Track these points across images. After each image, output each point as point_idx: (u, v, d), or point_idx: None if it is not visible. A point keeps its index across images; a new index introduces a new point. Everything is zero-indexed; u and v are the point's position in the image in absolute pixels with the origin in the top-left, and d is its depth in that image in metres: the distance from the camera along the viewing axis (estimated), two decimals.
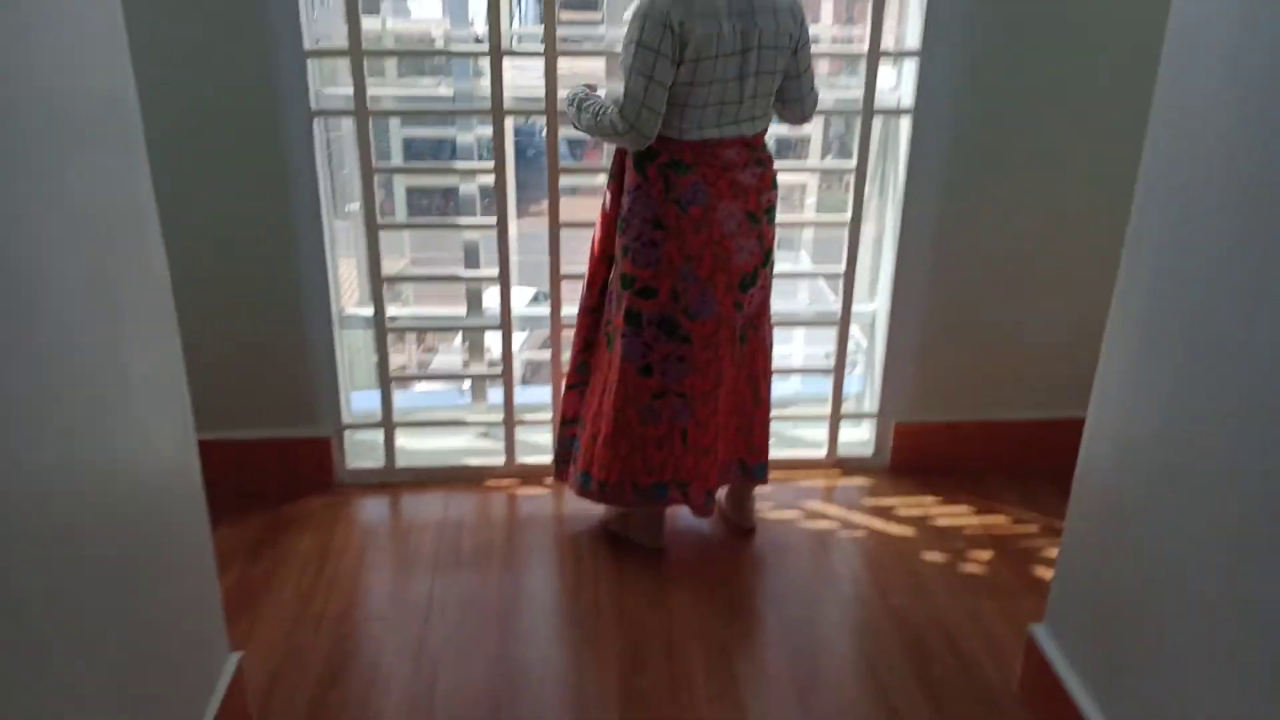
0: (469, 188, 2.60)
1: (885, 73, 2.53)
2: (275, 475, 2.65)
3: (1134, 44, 2.28)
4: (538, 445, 2.79)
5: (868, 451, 2.84)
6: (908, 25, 2.47)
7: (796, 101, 2.16)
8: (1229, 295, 1.33)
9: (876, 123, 2.55)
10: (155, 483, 1.50)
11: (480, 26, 2.35)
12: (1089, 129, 2.49)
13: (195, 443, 1.66)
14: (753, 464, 2.41)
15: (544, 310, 2.65)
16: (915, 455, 2.81)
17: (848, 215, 2.57)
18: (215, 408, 2.51)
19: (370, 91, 2.36)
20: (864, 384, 2.89)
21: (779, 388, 2.78)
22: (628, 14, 2.03)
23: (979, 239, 2.59)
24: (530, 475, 2.74)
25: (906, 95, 2.49)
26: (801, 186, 3.05)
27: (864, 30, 2.40)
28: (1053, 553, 2.21)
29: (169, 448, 1.55)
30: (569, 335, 2.69)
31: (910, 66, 2.46)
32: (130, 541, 1.37)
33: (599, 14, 2.34)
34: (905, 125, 2.51)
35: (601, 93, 2.13)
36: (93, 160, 1.29)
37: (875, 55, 2.40)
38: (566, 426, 2.44)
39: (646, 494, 2.30)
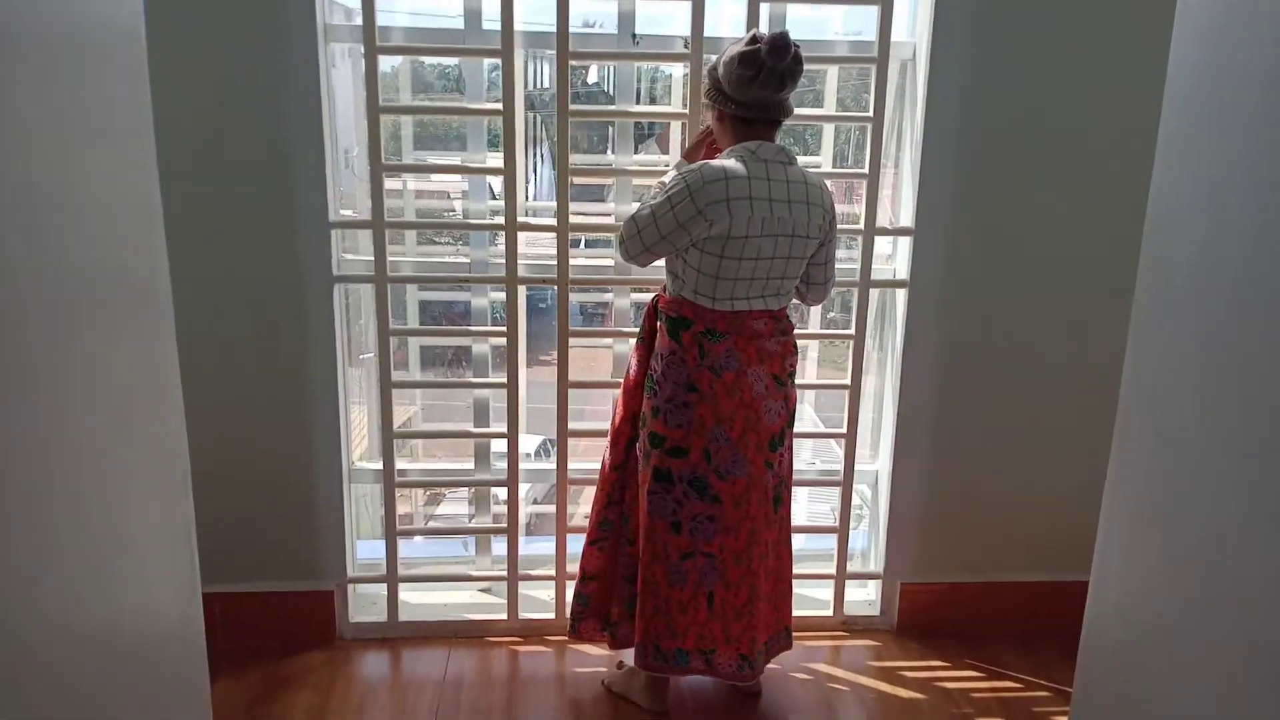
0: (481, 347, 2.70)
1: (883, 243, 2.67)
2: (277, 629, 2.65)
3: (1112, 235, 2.43)
4: (540, 601, 2.79)
5: (874, 611, 2.83)
6: (902, 205, 2.62)
7: (819, 285, 2.30)
8: (1212, 477, 1.38)
9: (874, 293, 2.67)
10: (157, 636, 1.52)
11: (497, 200, 2.51)
12: (1075, 302, 2.60)
13: (200, 597, 1.69)
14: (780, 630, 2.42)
15: (550, 464, 2.71)
16: (922, 616, 2.79)
17: (848, 379, 2.65)
18: (219, 560, 2.56)
19: (390, 259, 2.49)
20: (869, 543, 2.91)
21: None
22: (675, 162, 2.24)
23: (976, 404, 2.67)
24: (532, 631, 2.73)
25: (902, 268, 2.62)
26: (804, 349, 3.14)
27: (861, 208, 2.55)
28: None
29: (173, 601, 1.58)
30: (574, 490, 2.75)
31: (905, 242, 2.60)
32: (128, 696, 1.38)
33: (610, 193, 2.51)
34: (901, 296, 2.62)
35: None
36: (121, 335, 1.37)
37: (871, 232, 2.54)
38: (585, 583, 2.44)
39: (668, 659, 2.29)
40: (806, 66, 2.11)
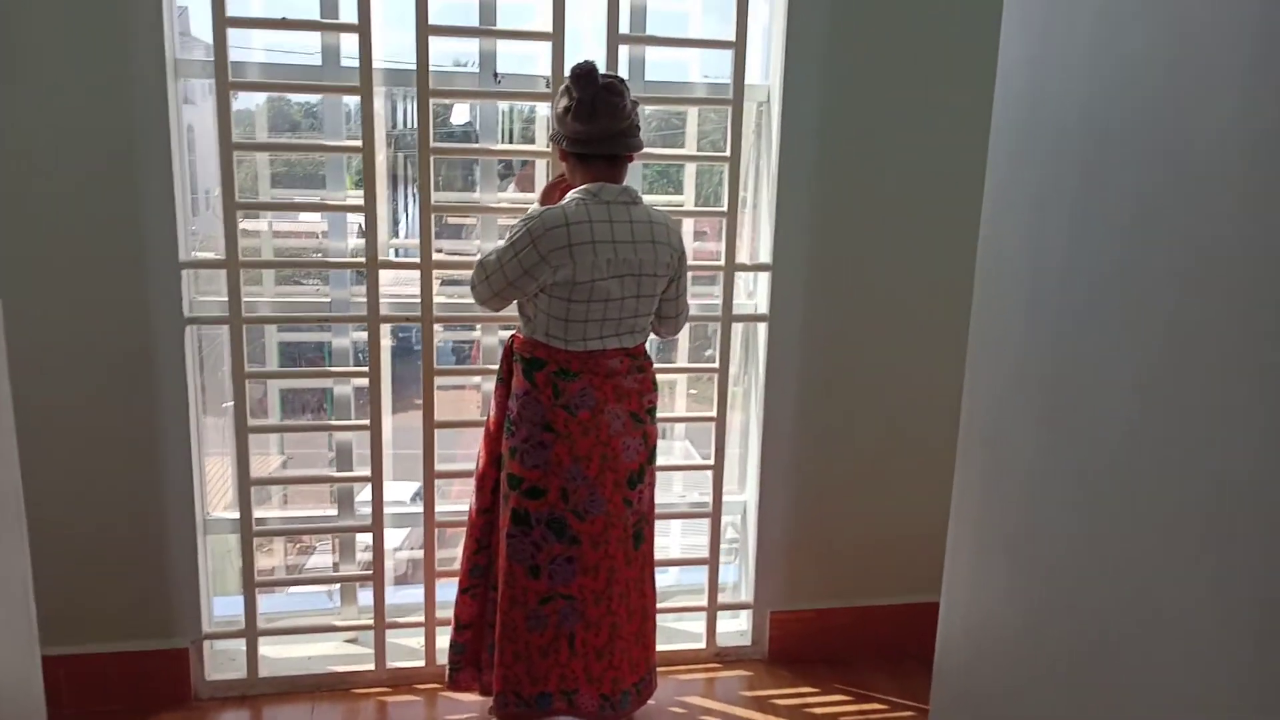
0: (344, 389, 2.63)
1: (744, 279, 2.75)
2: (127, 691, 2.49)
3: (961, 264, 2.55)
4: (410, 649, 2.71)
5: (746, 641, 2.86)
6: (761, 241, 2.70)
7: (671, 319, 2.33)
8: (1046, 496, 1.46)
9: (737, 328, 2.73)
10: None
11: (358, 239, 2.47)
12: (929, 331, 2.73)
13: (38, 659, 1.58)
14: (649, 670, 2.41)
15: (420, 508, 2.65)
16: (791, 644, 2.84)
17: (714, 412, 2.70)
18: (65, 620, 2.40)
19: (247, 299, 2.41)
20: (740, 574, 2.95)
21: (658, 580, 2.81)
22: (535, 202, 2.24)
23: (837, 433, 2.76)
24: (402, 681, 2.64)
25: (763, 303, 2.69)
26: (672, 384, 3.19)
27: (718, 245, 2.62)
28: None
29: (9, 663, 1.48)
30: (449, 534, 2.70)
31: (764, 278, 2.68)
32: None
33: (474, 232, 2.52)
34: (763, 330, 2.70)
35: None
36: None
37: (731, 269, 2.61)
38: (460, 631, 2.37)
39: (529, 704, 2.25)
40: (665, 108, 2.16)
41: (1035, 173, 1.50)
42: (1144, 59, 1.23)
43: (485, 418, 2.33)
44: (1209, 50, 1.11)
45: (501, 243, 2.15)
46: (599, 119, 2.08)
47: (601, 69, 2.42)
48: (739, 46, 2.49)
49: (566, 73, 2.12)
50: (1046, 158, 1.47)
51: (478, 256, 2.22)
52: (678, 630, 2.88)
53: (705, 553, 2.77)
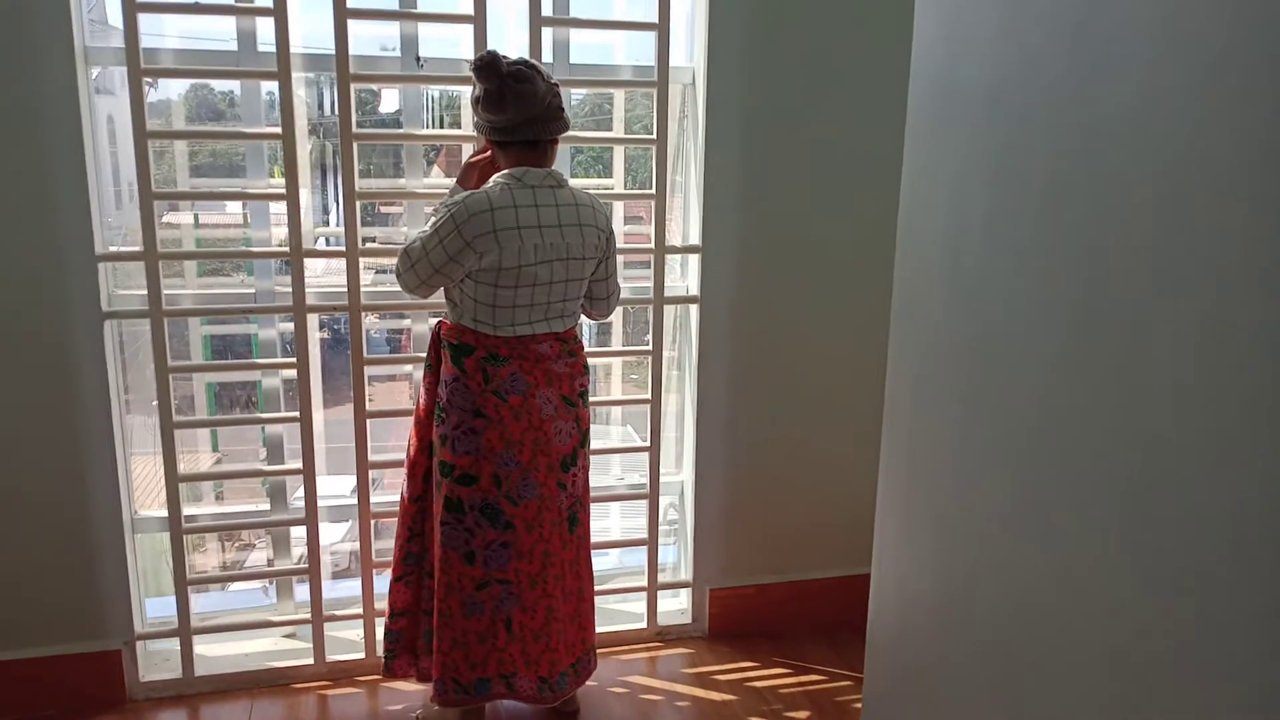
0: (272, 382, 2.60)
1: (675, 261, 2.77)
2: (59, 695, 2.44)
3: (885, 239, 2.59)
4: (349, 641, 2.69)
5: (686, 619, 2.90)
6: (690, 223, 2.72)
7: (603, 300, 2.33)
8: (970, 462, 1.50)
9: (669, 310, 2.75)
10: None
11: (282, 229, 2.43)
12: (856, 307, 2.77)
13: None
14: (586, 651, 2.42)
15: (353, 500, 2.62)
16: (731, 620, 2.88)
17: (649, 394, 2.72)
18: None
19: (169, 291, 2.36)
20: (679, 554, 2.98)
21: (599, 563, 2.82)
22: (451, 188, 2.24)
23: (770, 411, 2.80)
24: (342, 674, 2.63)
25: (693, 285, 2.71)
26: (608, 368, 3.20)
27: (650, 229, 2.63)
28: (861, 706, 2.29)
29: None
30: (385, 524, 2.68)
31: (694, 260, 2.70)
32: None
33: (403, 208, 2.48)
34: (694, 311, 2.72)
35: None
36: None
37: (662, 251, 2.62)
38: (394, 619, 2.36)
39: (469, 690, 2.25)
40: (594, 92, 2.16)
41: (952, 152, 1.53)
42: (1050, 34, 1.26)
43: (415, 405, 2.32)
44: (1115, 19, 1.14)
45: (425, 229, 2.13)
46: (508, 108, 2.07)
47: (525, 52, 2.42)
48: (662, 28, 2.49)
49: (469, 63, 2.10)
50: (962, 136, 1.50)
51: (403, 244, 2.20)
52: (619, 611, 2.90)
53: (645, 534, 2.79)
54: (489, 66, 2.04)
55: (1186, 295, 1.03)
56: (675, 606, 2.94)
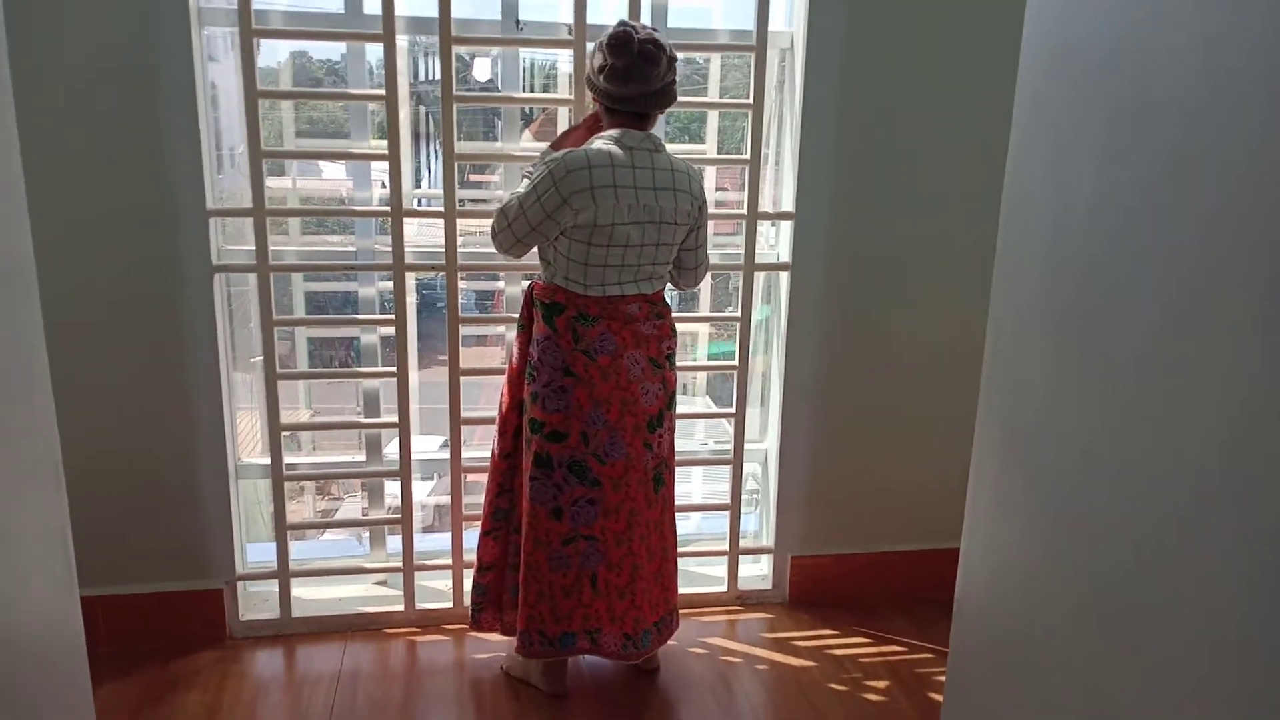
0: (370, 338, 2.67)
1: (766, 227, 2.75)
2: (164, 630, 2.57)
3: (985, 214, 2.54)
4: (437, 591, 2.77)
5: (767, 585, 2.91)
6: (784, 190, 2.70)
7: (691, 270, 2.35)
8: (1064, 441, 1.48)
9: (759, 277, 2.74)
10: (33, 638, 1.47)
11: (384, 189, 2.49)
12: (952, 281, 2.72)
13: (77, 597, 1.64)
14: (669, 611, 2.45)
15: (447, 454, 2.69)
16: (812, 588, 2.89)
17: (735, 361, 2.72)
18: (103, 561, 2.48)
19: (274, 248, 2.45)
20: (760, 520, 2.99)
21: (681, 526, 2.86)
22: (543, 150, 2.26)
23: (858, 382, 2.77)
24: (430, 622, 2.71)
25: (784, 252, 2.70)
26: (694, 334, 3.21)
27: (744, 195, 2.62)
28: (944, 679, 2.28)
29: (49, 601, 1.53)
30: (473, 480, 2.74)
31: (786, 227, 2.68)
32: (4, 700, 1.34)
33: (497, 176, 2.53)
34: (785, 279, 2.70)
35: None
36: None
37: (754, 217, 2.61)
38: (482, 573, 2.43)
39: (553, 643, 2.30)
40: (689, 56, 2.16)
41: (1061, 113, 1.49)
42: (1171, 6, 1.22)
43: (508, 364, 2.36)
44: None
45: (521, 188, 2.16)
46: (632, 84, 2.10)
47: (624, 15, 2.42)
48: None
49: (604, 33, 2.12)
50: (1073, 98, 1.46)
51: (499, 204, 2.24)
52: (700, 574, 2.93)
53: (726, 499, 2.81)
54: (624, 43, 2.07)
55: None
56: (756, 572, 2.95)
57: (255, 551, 2.76)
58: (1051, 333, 1.52)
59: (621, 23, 2.15)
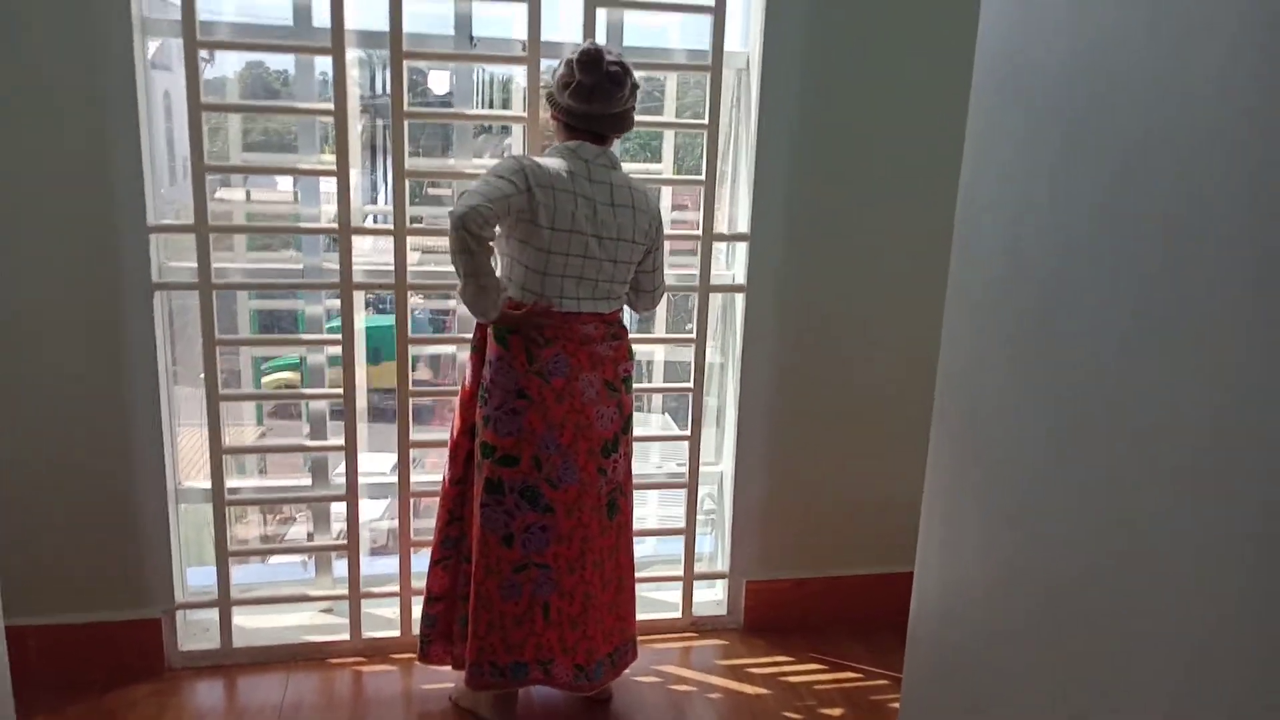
0: (317, 358, 2.60)
1: (721, 249, 2.73)
2: (99, 662, 2.47)
3: (936, 234, 2.53)
4: (385, 619, 2.70)
5: (722, 611, 2.87)
6: (739, 210, 2.68)
7: (648, 293, 2.32)
8: (1019, 456, 1.46)
9: (715, 298, 2.71)
10: None
11: (331, 205, 2.43)
12: (906, 302, 2.72)
13: (1, 629, 1.56)
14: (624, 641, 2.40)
15: (394, 478, 2.63)
16: (767, 613, 2.85)
17: (691, 383, 2.69)
18: (33, 589, 2.38)
19: (218, 265, 2.38)
20: (715, 544, 2.96)
21: (636, 549, 2.81)
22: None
23: (813, 404, 2.75)
24: (377, 651, 2.64)
25: (740, 273, 2.68)
26: (650, 354, 3.18)
27: (699, 216, 2.59)
28: (898, 706, 2.25)
29: None
30: (424, 505, 2.68)
31: (742, 248, 2.66)
32: None
33: (450, 192, 2.48)
34: (740, 300, 2.68)
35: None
36: None
37: (709, 239, 2.59)
38: (431, 604, 2.36)
39: (505, 673, 2.24)
40: (645, 75, 2.14)
41: (1016, 135, 1.49)
42: (1126, 17, 1.21)
43: (460, 387, 2.31)
44: (1190, 6, 1.10)
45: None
46: (595, 103, 2.09)
47: (579, 34, 2.40)
48: (719, 12, 2.46)
49: (573, 49, 2.10)
50: (1028, 119, 1.45)
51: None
52: (654, 600, 2.88)
53: (682, 523, 2.77)
54: (594, 62, 2.06)
55: (1267, 287, 0.98)
56: (711, 597, 2.92)
57: (198, 575, 2.67)
58: (1007, 345, 1.50)
59: (592, 42, 2.13)
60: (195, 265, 2.36)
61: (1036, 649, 1.43)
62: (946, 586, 1.73)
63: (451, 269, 2.24)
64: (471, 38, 2.48)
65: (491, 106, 3.53)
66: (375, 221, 3.20)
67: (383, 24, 2.32)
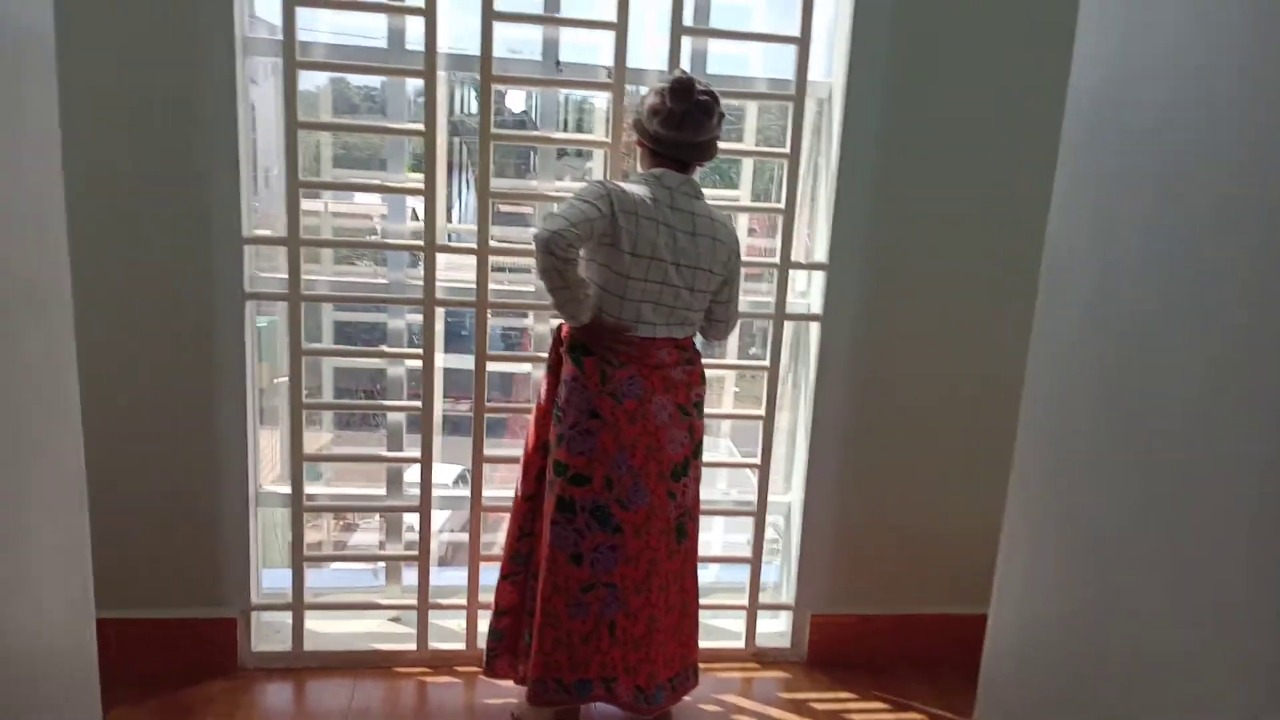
0: (397, 370, 2.66)
1: (798, 277, 2.73)
2: (176, 657, 2.55)
3: (1019, 271, 2.50)
4: (451, 631, 2.73)
5: (785, 643, 2.85)
6: (816, 239, 2.67)
7: (721, 322, 2.33)
8: (1105, 498, 1.43)
9: (788, 326, 2.71)
10: (47, 659, 1.45)
11: (419, 222, 2.50)
12: (986, 336, 2.68)
13: (93, 621, 1.62)
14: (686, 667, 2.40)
15: (467, 491, 2.67)
16: (831, 648, 2.82)
17: (762, 410, 2.68)
18: (117, 584, 2.45)
19: (305, 277, 2.45)
20: (780, 574, 2.93)
21: (699, 575, 2.81)
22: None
23: (887, 437, 2.72)
24: (442, 662, 2.67)
25: (815, 303, 2.67)
26: (720, 380, 3.18)
27: (776, 243, 2.59)
28: None
29: (65, 625, 1.51)
30: (492, 518, 2.71)
31: (819, 277, 2.65)
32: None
33: (532, 211, 2.53)
34: (815, 330, 2.67)
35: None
36: (18, 346, 1.32)
37: (786, 266, 2.59)
38: (499, 618, 2.38)
39: (569, 690, 2.25)
40: (726, 102, 2.16)
41: (1107, 174, 1.47)
42: (1225, 64, 1.19)
43: (534, 404, 2.34)
44: None
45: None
46: (684, 131, 2.12)
47: (663, 62, 2.43)
48: (803, 42, 2.46)
49: (666, 77, 2.14)
50: (1120, 159, 1.43)
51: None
52: (717, 627, 2.87)
53: (745, 551, 2.76)
54: (686, 90, 2.09)
55: None
56: (774, 629, 2.89)
57: (268, 577, 2.73)
58: (1093, 394, 1.48)
59: (682, 70, 2.15)
60: (279, 275, 2.43)
61: (1118, 696, 1.39)
62: (1024, 629, 1.69)
63: (529, 289, 2.27)
64: (559, 63, 2.52)
65: (567, 128, 3.59)
66: (448, 239, 3.27)
67: (473, 46, 2.37)
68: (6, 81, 1.27)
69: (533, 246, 2.02)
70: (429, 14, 2.31)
